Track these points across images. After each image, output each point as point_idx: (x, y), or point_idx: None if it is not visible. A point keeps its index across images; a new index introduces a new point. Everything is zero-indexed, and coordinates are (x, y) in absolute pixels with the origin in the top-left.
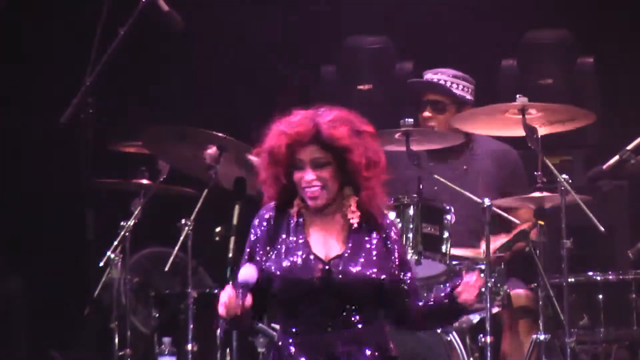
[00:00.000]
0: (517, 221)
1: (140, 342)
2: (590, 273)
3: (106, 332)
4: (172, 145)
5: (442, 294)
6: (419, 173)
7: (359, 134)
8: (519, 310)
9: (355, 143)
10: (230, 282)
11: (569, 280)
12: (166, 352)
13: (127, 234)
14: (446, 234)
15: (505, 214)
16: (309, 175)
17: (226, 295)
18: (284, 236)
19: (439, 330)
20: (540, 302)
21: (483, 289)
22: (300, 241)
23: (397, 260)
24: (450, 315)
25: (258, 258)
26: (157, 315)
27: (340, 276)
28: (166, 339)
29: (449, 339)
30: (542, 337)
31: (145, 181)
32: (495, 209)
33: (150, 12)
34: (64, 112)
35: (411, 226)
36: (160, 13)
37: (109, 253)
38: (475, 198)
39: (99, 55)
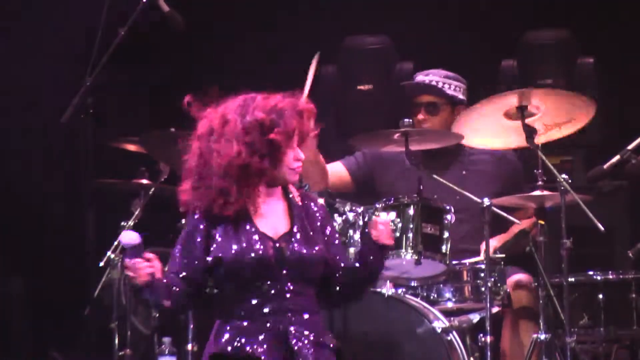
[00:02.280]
0: (517, 221)
1: (140, 342)
2: (591, 273)
3: (106, 332)
4: (172, 148)
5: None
6: (419, 174)
7: None
8: (519, 310)
9: None
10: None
11: (569, 280)
12: (166, 352)
13: None
14: (446, 234)
15: (505, 214)
16: (302, 153)
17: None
18: (226, 222)
19: (439, 330)
20: (541, 302)
21: (483, 289)
22: (246, 224)
23: (328, 238)
24: (374, 258)
25: (197, 251)
26: (157, 315)
27: (291, 253)
28: (166, 339)
29: (449, 339)
30: (542, 336)
31: (145, 181)
32: (495, 209)
33: (150, 12)
34: (64, 112)
35: (411, 226)
36: (160, 13)
37: (109, 253)
38: (475, 198)
39: (99, 55)
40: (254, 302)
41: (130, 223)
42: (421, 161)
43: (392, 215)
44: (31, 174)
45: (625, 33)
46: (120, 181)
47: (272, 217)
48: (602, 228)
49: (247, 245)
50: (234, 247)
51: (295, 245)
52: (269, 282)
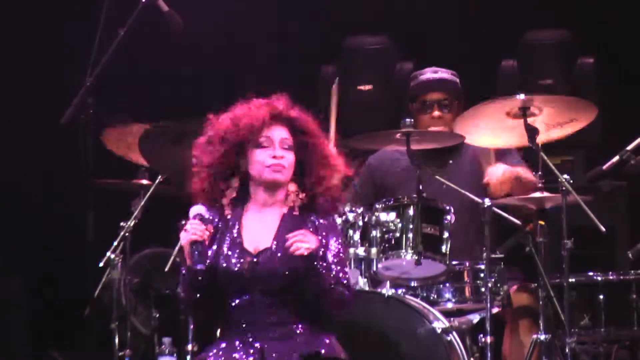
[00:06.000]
0: (517, 222)
1: (140, 343)
2: (591, 273)
3: (106, 332)
4: (170, 148)
5: None
6: (420, 174)
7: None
8: (520, 310)
9: (320, 132)
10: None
11: (570, 280)
12: (166, 353)
13: (127, 234)
14: (446, 234)
15: (505, 214)
16: (279, 151)
17: (186, 230)
18: (220, 232)
19: (439, 331)
20: (541, 302)
21: (483, 289)
22: (235, 236)
23: (327, 257)
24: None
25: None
26: (157, 315)
27: (265, 269)
28: (166, 339)
29: (449, 339)
30: (542, 337)
31: (145, 181)
32: (495, 209)
33: (150, 12)
34: (64, 112)
35: (411, 226)
36: (160, 13)
37: (109, 253)
38: (476, 199)
39: (99, 55)
40: (230, 322)
41: (130, 223)
42: (422, 161)
43: (392, 215)
44: (31, 173)
45: (625, 33)
46: (120, 181)
47: (258, 232)
48: (603, 229)
49: (228, 259)
50: (220, 260)
51: (270, 259)
52: (244, 300)
